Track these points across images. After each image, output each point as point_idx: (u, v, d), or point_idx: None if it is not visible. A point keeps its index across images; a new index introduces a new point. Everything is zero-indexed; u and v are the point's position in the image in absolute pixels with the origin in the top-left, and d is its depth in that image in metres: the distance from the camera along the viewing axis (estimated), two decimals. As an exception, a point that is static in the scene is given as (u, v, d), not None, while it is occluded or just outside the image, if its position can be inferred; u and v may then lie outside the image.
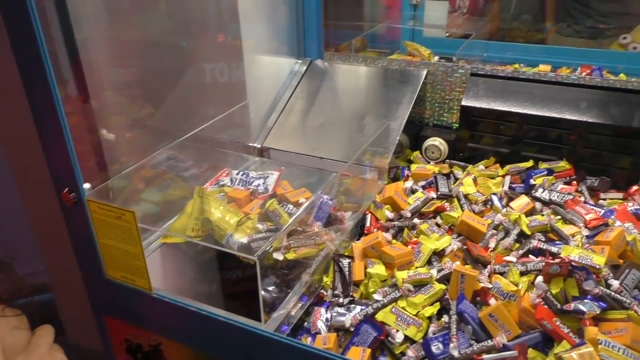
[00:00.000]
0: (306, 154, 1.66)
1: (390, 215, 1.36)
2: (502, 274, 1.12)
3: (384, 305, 1.08)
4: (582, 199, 1.38)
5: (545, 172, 1.49)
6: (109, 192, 1.22)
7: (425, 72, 1.74)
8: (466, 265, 1.15)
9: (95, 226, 1.01)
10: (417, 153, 1.74)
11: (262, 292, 1.17)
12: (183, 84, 1.68)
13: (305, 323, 1.13)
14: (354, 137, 1.67)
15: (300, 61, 1.89)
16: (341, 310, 1.12)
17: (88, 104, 1.79)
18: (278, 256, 1.20)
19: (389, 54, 2.47)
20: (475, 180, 1.52)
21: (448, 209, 1.39)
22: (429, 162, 1.71)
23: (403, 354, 1.02)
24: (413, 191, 1.50)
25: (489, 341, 0.99)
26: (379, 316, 1.07)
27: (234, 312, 1.09)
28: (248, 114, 1.70)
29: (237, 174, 1.50)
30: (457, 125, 1.76)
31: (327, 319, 1.12)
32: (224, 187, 1.46)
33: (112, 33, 1.57)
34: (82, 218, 1.01)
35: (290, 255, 1.19)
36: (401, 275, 1.11)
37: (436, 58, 2.30)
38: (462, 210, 1.37)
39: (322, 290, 1.20)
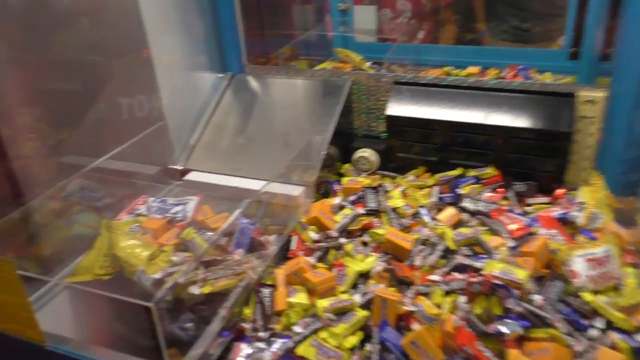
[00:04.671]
0: (230, 174, 1.58)
1: (316, 236, 1.31)
2: (426, 294, 1.08)
3: (305, 338, 1.03)
4: (508, 206, 1.36)
5: (473, 181, 1.47)
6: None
7: (349, 83, 1.70)
8: (391, 288, 1.11)
9: (-26, 279, 0.91)
10: (348, 165, 1.69)
11: (177, 331, 1.10)
12: (91, 107, 1.58)
13: (225, 362, 1.06)
14: (280, 155, 1.60)
15: (222, 75, 1.81)
16: (262, 345, 1.05)
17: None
18: (194, 290, 1.13)
19: (321, 62, 2.43)
20: (404, 192, 1.49)
21: (376, 224, 1.35)
22: (360, 174, 1.67)
23: (324, 390, 0.97)
24: (342, 207, 1.45)
25: (413, 370, 0.95)
26: (300, 350, 1.01)
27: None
28: (167, 135, 1.61)
29: (154, 201, 1.41)
30: (386, 134, 1.72)
31: (247, 355, 1.05)
32: (139, 217, 1.36)
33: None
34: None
35: (207, 289, 1.11)
36: (322, 304, 1.06)
37: (368, 63, 2.28)
38: (391, 226, 1.33)
39: (243, 323, 1.13)
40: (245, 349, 1.06)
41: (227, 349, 1.09)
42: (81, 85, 1.67)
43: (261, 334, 1.07)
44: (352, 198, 1.50)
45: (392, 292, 1.06)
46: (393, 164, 1.69)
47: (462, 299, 1.02)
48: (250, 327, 1.11)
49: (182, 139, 1.67)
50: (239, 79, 1.81)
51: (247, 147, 1.64)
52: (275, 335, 1.07)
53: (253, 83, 1.79)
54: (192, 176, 1.62)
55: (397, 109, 1.61)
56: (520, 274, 1.03)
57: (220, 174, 1.59)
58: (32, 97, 1.66)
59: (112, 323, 1.24)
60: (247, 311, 1.14)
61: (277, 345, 1.04)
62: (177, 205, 1.38)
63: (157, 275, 1.15)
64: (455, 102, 1.59)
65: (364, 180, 1.58)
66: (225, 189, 1.54)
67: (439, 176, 1.55)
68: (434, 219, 1.35)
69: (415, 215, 1.39)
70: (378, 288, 1.09)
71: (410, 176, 1.60)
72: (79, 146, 1.68)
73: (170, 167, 1.63)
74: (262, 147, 1.63)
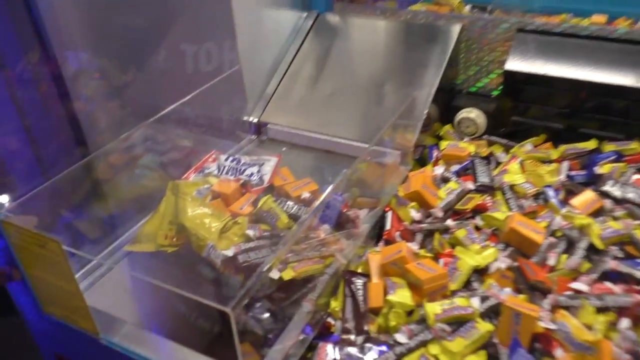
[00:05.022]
0: (312, 130, 1.36)
1: (417, 215, 1.08)
2: (569, 308, 0.83)
3: (410, 351, 0.82)
4: (665, 194, 1.07)
5: (614, 157, 1.18)
6: (54, 193, 0.96)
7: (459, 28, 1.40)
8: (519, 295, 0.87)
9: (18, 253, 0.75)
10: (448, 127, 1.43)
11: (252, 323, 0.92)
12: (160, 47, 1.39)
13: (307, 366, 0.88)
14: (371, 111, 1.36)
15: (305, 14, 1.55)
16: (353, 351, 0.86)
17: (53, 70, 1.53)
18: (273, 274, 0.94)
19: (412, 3, 2.12)
20: (522, 164, 1.22)
21: (489, 205, 1.10)
22: (462, 139, 1.41)
23: (436, 423, 0.76)
24: (445, 180, 1.20)
25: (555, 409, 0.72)
26: (404, 366, 0.80)
27: (215, 350, 0.85)
28: (241, 82, 1.40)
29: (227, 159, 1.21)
30: (498, 92, 1.44)
31: (334, 361, 0.86)
32: (208, 177, 1.18)
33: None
34: None
35: (288, 275, 0.92)
36: (433, 309, 0.84)
37: (467, 7, 1.95)
38: (510, 209, 1.08)
39: (329, 319, 0.94)
40: (331, 352, 0.86)
41: (310, 347, 0.90)
42: (150, 23, 1.48)
43: (352, 337, 0.87)
44: (456, 168, 1.25)
45: (527, 304, 0.82)
46: (504, 128, 1.41)
47: (624, 322, 0.77)
48: (339, 326, 0.91)
49: (258, 87, 1.45)
50: (324, 19, 1.55)
51: (332, 100, 1.40)
52: (369, 339, 0.87)
53: (341, 24, 1.53)
54: (268, 131, 1.41)
55: (519, 62, 1.31)
56: None
57: (301, 129, 1.37)
58: (97, 33, 1.49)
59: (172, 303, 1.09)
60: (335, 304, 0.94)
61: (374, 354, 0.83)
62: (251, 165, 1.19)
63: (229, 252, 0.96)
64: (593, 57, 1.28)
65: (467, 147, 1.31)
66: (307, 149, 1.32)
67: (565, 148, 1.26)
68: (564, 203, 1.08)
69: (538, 196, 1.13)
70: (506, 295, 0.85)
71: (527, 145, 1.32)
72: (144, 90, 1.51)
73: (244, 119, 1.43)
74: (350, 100, 1.39)
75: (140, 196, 1.20)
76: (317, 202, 0.99)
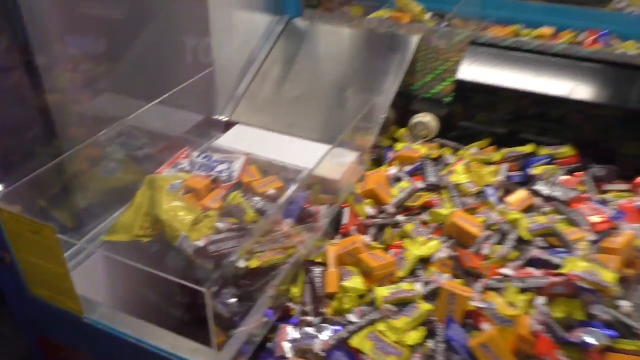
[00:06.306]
0: (279, 131, 1.46)
1: (372, 211, 1.19)
2: (497, 290, 0.97)
3: (361, 328, 0.93)
4: (585, 192, 1.22)
5: (546, 160, 1.33)
6: (37, 186, 1.03)
7: (418, 39, 1.53)
8: (456, 280, 1.00)
9: (10, 239, 0.83)
10: (404, 130, 1.55)
11: (220, 307, 1.02)
12: (136, 41, 1.45)
13: (269, 343, 0.98)
14: (334, 114, 1.47)
15: (277, 19, 1.65)
16: (311, 330, 0.97)
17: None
18: (240, 263, 1.04)
19: (376, 9, 2.23)
20: (468, 166, 1.35)
21: (436, 202, 1.22)
22: (416, 141, 1.54)
23: (380, 389, 0.88)
24: (398, 179, 1.32)
25: (480, 376, 0.85)
26: (354, 342, 0.92)
27: (185, 334, 0.94)
28: (214, 83, 1.49)
29: (199, 156, 1.31)
30: (450, 99, 1.57)
31: (294, 340, 0.97)
32: (181, 173, 1.27)
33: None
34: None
35: (254, 264, 1.02)
36: (382, 293, 0.96)
37: (428, 15, 2.08)
38: (453, 206, 1.21)
39: (289, 303, 1.05)
40: (291, 332, 0.98)
41: (272, 330, 1.01)
42: (126, 15, 1.53)
43: (310, 319, 0.99)
44: (408, 169, 1.37)
45: (462, 287, 0.95)
46: (454, 132, 1.54)
47: (541, 299, 0.91)
48: (298, 309, 1.02)
49: (229, 87, 1.55)
50: (295, 24, 1.65)
51: (299, 102, 1.51)
52: (326, 321, 0.98)
53: (310, 30, 1.64)
54: (237, 130, 1.50)
55: (470, 72, 1.44)
56: (607, 276, 0.91)
57: (268, 130, 1.47)
58: (72, 23, 1.52)
59: (146, 290, 1.17)
60: (295, 290, 1.05)
61: (329, 333, 0.95)
62: (222, 163, 1.28)
63: (201, 243, 1.06)
64: (535, 69, 1.42)
65: (420, 149, 1.44)
66: (273, 148, 1.42)
67: (506, 151, 1.40)
68: (501, 200, 1.22)
69: (480, 194, 1.26)
70: (445, 280, 0.98)
71: (473, 148, 1.45)
72: (119, 83, 1.55)
73: (215, 117, 1.52)
74: (316, 103, 1.50)
75: (115, 189, 1.28)
76: (282, 199, 1.09)
